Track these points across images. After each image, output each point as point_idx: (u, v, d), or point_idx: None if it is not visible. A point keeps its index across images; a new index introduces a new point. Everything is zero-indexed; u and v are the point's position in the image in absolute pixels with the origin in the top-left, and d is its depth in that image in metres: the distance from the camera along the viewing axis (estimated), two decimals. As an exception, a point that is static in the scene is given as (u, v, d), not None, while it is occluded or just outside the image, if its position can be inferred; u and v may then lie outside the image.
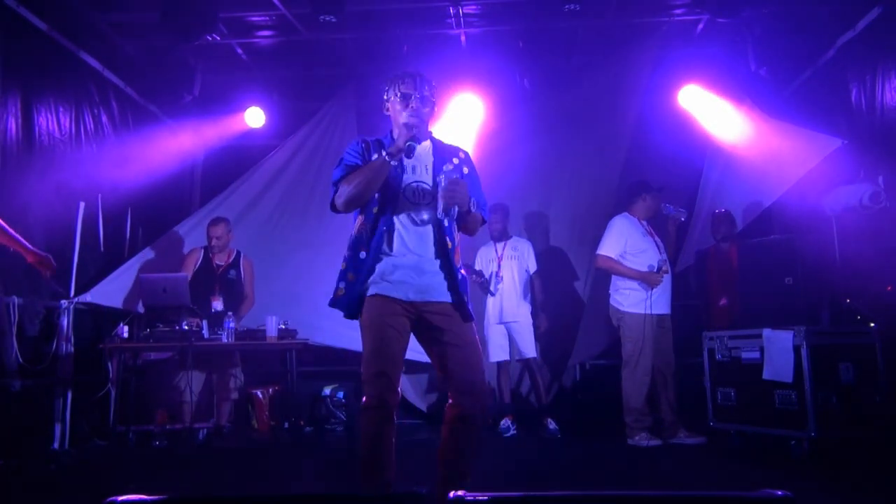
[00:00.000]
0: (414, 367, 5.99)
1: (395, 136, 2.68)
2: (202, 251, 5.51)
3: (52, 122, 5.02)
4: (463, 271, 2.67)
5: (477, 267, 5.59)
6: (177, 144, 6.43)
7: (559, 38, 6.12)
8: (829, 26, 5.30)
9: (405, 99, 2.66)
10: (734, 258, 5.03)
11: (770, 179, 5.59)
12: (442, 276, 2.59)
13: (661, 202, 5.05)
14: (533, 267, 5.60)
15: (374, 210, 2.60)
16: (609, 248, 4.90)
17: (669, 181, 5.64)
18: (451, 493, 1.48)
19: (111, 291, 5.34)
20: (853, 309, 4.57)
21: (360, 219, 2.65)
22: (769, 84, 5.99)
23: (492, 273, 5.47)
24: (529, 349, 5.43)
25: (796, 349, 4.08)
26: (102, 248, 5.67)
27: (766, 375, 4.21)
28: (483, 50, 6.25)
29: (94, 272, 5.47)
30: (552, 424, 5.29)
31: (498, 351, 5.48)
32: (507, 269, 5.52)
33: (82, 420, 5.03)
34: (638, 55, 6.02)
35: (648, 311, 4.76)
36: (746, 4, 5.11)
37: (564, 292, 6.23)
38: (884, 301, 4.48)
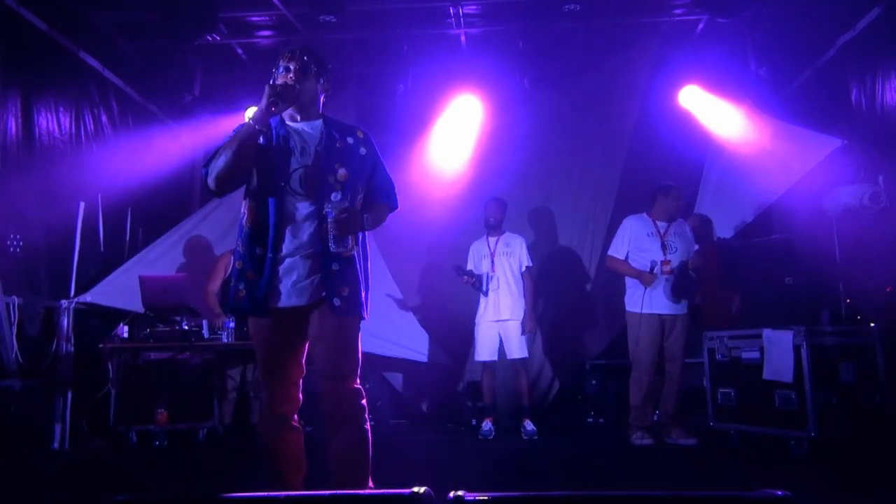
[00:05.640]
0: (412, 366, 6.00)
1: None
2: (232, 256, 5.52)
3: (52, 122, 5.02)
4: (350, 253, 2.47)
5: (469, 263, 5.51)
6: (177, 144, 6.43)
7: (559, 38, 6.12)
8: (829, 26, 5.30)
9: (285, 72, 2.52)
10: (713, 259, 5.10)
11: (770, 179, 5.59)
12: (317, 275, 2.43)
13: (679, 201, 5.02)
14: (526, 262, 5.46)
15: (263, 199, 2.43)
16: (614, 248, 5.05)
17: (669, 181, 5.65)
18: (451, 494, 1.48)
19: (111, 291, 5.35)
20: (853, 309, 4.57)
21: (249, 207, 2.47)
22: (769, 84, 5.99)
23: (485, 274, 5.38)
24: (522, 349, 5.35)
25: (796, 349, 4.08)
26: (102, 248, 5.67)
27: (766, 375, 4.21)
28: (483, 50, 6.25)
29: (94, 272, 5.47)
30: (529, 426, 5.19)
31: (486, 351, 5.34)
32: (500, 265, 5.38)
33: (82, 420, 5.03)
34: (638, 55, 6.03)
35: (646, 311, 4.78)
36: (746, 4, 5.12)
37: (565, 292, 6.23)
38: (884, 301, 4.48)
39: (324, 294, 2.42)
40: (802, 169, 5.29)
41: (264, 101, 2.36)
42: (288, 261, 2.43)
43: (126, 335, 5.04)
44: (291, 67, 2.51)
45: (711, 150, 6.21)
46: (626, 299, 4.96)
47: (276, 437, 2.48)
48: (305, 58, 2.53)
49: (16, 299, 4.53)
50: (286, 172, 2.44)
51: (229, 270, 5.42)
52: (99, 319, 5.39)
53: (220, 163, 2.39)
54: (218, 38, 5.96)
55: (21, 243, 4.66)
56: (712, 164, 6.22)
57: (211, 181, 2.44)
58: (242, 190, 2.55)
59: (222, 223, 5.83)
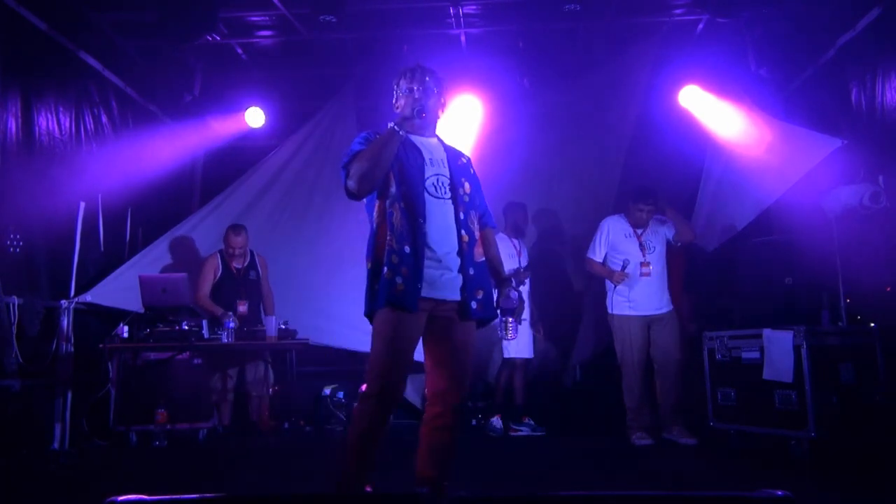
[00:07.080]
0: (412, 366, 6.00)
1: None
2: (219, 256, 5.52)
3: (52, 122, 5.02)
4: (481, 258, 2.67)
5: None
6: (177, 144, 6.43)
7: (559, 38, 6.13)
8: (829, 26, 5.30)
9: (409, 92, 2.68)
10: (679, 260, 5.22)
11: (770, 179, 5.58)
12: (458, 274, 2.59)
13: (640, 213, 4.98)
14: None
15: (408, 202, 2.55)
16: (591, 250, 5.12)
17: (669, 182, 5.66)
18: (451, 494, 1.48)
19: (111, 291, 5.34)
20: (853, 309, 4.57)
21: (394, 209, 2.57)
22: (769, 84, 5.99)
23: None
24: (529, 349, 5.45)
25: (796, 349, 4.08)
26: (102, 248, 5.66)
27: (766, 375, 4.21)
28: (483, 50, 6.25)
29: (94, 272, 5.47)
30: (530, 422, 5.37)
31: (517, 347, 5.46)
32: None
33: (82, 420, 5.03)
34: (638, 55, 6.02)
35: (628, 313, 4.84)
36: (746, 4, 5.11)
37: (564, 292, 6.23)
38: (884, 301, 4.47)
39: (462, 296, 2.58)
40: (802, 169, 5.28)
41: (409, 110, 2.56)
42: (432, 260, 2.55)
43: (126, 335, 5.04)
44: (415, 89, 2.66)
45: (711, 150, 6.20)
46: (607, 302, 4.99)
47: (379, 432, 2.57)
48: (427, 78, 2.68)
49: (16, 299, 4.52)
50: (422, 179, 2.60)
51: (218, 273, 5.50)
52: (99, 319, 5.39)
53: (363, 165, 2.52)
54: (218, 38, 5.96)
55: (21, 243, 4.66)
56: (712, 164, 6.20)
57: (353, 183, 2.55)
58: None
59: (222, 224, 5.82)
